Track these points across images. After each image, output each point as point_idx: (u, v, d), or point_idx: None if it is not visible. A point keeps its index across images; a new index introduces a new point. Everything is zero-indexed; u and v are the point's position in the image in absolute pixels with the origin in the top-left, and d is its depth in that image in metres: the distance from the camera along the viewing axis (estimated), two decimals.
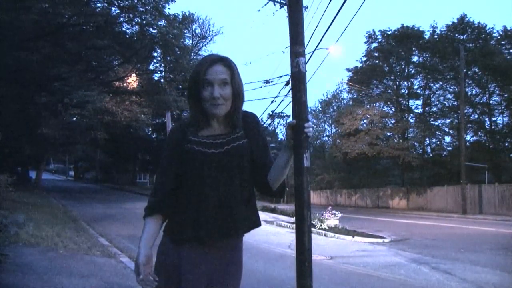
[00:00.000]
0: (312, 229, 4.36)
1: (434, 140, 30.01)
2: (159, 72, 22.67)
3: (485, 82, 27.56)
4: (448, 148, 29.84)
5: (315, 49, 12.22)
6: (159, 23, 13.78)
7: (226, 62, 1.64)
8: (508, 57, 26.29)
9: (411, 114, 30.05)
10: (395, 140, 28.65)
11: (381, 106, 29.89)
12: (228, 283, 1.66)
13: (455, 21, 27.30)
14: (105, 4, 13.29)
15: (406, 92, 30.12)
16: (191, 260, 1.60)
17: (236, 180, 1.63)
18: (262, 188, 1.72)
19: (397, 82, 30.62)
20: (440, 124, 29.53)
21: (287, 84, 14.70)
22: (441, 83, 28.80)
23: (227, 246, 1.66)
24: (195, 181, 1.61)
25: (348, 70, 31.40)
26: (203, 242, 1.60)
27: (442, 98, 29.45)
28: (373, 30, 29.89)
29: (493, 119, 28.58)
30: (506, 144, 28.09)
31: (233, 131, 1.67)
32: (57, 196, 21.06)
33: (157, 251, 1.70)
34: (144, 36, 13.97)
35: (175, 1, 13.75)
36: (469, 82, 27.58)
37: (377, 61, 30.33)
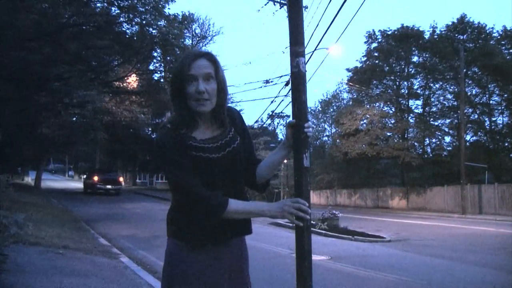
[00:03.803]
0: (312, 229, 4.36)
1: (434, 140, 30.01)
2: (159, 72, 22.72)
3: (485, 82, 27.57)
4: (448, 148, 29.84)
5: (315, 49, 12.21)
6: (159, 23, 13.77)
7: (210, 57, 1.61)
8: (508, 57, 26.30)
9: (411, 114, 30.04)
10: (395, 140, 28.63)
11: (381, 106, 29.87)
12: (246, 277, 1.69)
13: (455, 21, 27.31)
14: (105, 4, 13.29)
15: (406, 92, 30.10)
16: (212, 262, 1.60)
17: (239, 180, 1.66)
18: (248, 183, 1.74)
19: (397, 82, 30.61)
20: (440, 124, 29.55)
21: (287, 84, 14.69)
22: (441, 83, 28.79)
23: (240, 243, 1.69)
24: (205, 186, 1.57)
25: (348, 70, 31.39)
26: (221, 242, 1.61)
27: (442, 98, 29.46)
28: (373, 30, 29.89)
29: (493, 119, 28.62)
30: (506, 144, 28.10)
31: (226, 131, 1.66)
32: (57, 196, 21.07)
33: (170, 260, 1.61)
34: (144, 36, 13.97)
35: (175, 1, 13.76)
36: (469, 82, 27.58)
37: (377, 61, 30.31)
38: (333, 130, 37.87)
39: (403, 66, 30.04)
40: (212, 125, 1.65)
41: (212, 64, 1.59)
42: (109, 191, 24.31)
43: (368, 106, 29.15)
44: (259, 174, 1.71)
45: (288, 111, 26.83)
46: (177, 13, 16.15)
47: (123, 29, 14.24)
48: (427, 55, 28.68)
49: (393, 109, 30.19)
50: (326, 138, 41.98)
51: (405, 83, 30.25)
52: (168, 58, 18.66)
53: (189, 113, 1.59)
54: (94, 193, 23.68)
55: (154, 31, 13.99)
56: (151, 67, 20.26)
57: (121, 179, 28.27)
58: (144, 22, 13.36)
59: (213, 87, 1.57)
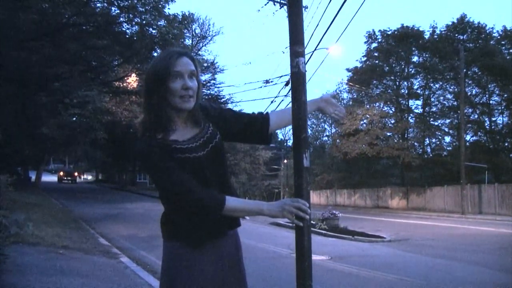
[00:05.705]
0: (312, 229, 4.36)
1: (434, 140, 30.05)
2: None
3: (485, 82, 27.59)
4: (448, 148, 29.90)
5: (315, 49, 12.22)
6: (159, 23, 13.77)
7: (190, 55, 1.63)
8: (508, 57, 26.34)
9: (411, 114, 30.06)
10: (395, 140, 28.67)
11: (381, 106, 29.90)
12: (242, 266, 1.70)
13: (455, 21, 27.35)
14: (105, 4, 13.29)
15: (406, 92, 30.13)
16: (213, 257, 1.61)
17: (225, 174, 1.68)
18: (259, 138, 1.81)
19: (397, 82, 30.63)
20: (440, 124, 29.60)
21: (287, 84, 14.70)
22: (441, 83, 28.82)
23: (234, 234, 1.71)
24: (199, 185, 1.57)
25: (348, 70, 31.43)
26: (221, 236, 1.62)
27: (442, 98, 29.51)
28: (373, 30, 29.95)
29: (493, 119, 28.66)
30: (506, 144, 28.11)
31: (205, 128, 1.65)
32: (57, 196, 21.07)
33: (172, 263, 1.59)
34: (144, 36, 13.96)
35: (175, 1, 13.78)
36: (469, 82, 27.60)
37: (377, 61, 30.34)
38: (333, 130, 37.91)
39: (403, 66, 30.06)
40: (188, 125, 1.64)
41: (193, 63, 1.60)
42: (70, 181, 41.60)
43: (368, 106, 29.17)
44: (272, 123, 1.80)
45: None
46: (177, 13, 16.11)
47: (123, 29, 14.24)
48: (427, 55, 28.71)
49: (393, 109, 30.22)
50: (326, 138, 42.02)
51: (405, 83, 30.28)
52: None
53: (167, 113, 1.57)
54: (63, 182, 39.86)
55: (154, 31, 13.98)
56: None
57: (75, 174, 46.14)
58: (144, 22, 13.36)
59: (195, 85, 1.59)
